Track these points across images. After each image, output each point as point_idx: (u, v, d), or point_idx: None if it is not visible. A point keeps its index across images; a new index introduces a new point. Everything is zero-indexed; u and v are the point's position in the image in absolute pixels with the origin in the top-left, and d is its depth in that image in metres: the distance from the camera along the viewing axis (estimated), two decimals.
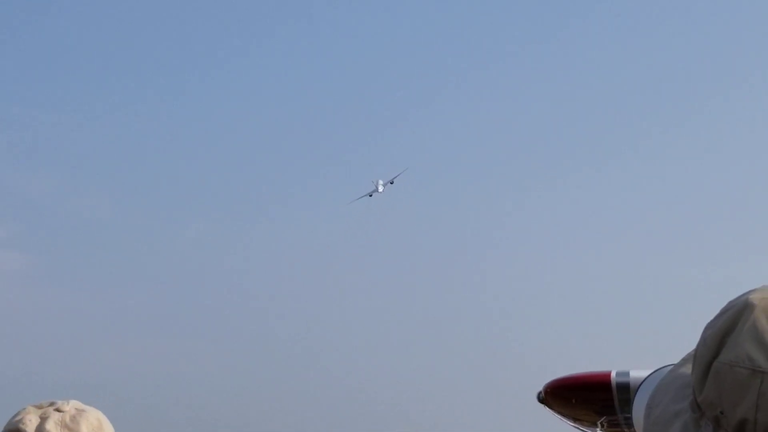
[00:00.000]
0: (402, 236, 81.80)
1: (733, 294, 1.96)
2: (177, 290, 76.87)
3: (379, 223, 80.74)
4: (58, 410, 2.66)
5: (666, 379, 2.02)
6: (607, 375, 13.83)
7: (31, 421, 2.64)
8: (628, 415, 13.87)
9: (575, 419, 14.53)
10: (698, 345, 1.89)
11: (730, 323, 1.85)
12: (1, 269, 78.48)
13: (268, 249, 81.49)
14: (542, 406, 14.48)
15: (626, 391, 13.65)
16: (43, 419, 2.64)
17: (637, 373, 13.78)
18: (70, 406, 2.70)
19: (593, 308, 70.40)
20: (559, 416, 14.48)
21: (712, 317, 1.91)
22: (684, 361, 2.00)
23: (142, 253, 79.70)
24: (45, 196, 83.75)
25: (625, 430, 14.15)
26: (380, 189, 69.17)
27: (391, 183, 69.44)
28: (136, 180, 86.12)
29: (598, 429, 14.33)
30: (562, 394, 14.20)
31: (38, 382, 61.79)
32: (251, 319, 74.20)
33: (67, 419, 2.63)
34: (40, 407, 2.68)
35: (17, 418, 2.66)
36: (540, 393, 14.36)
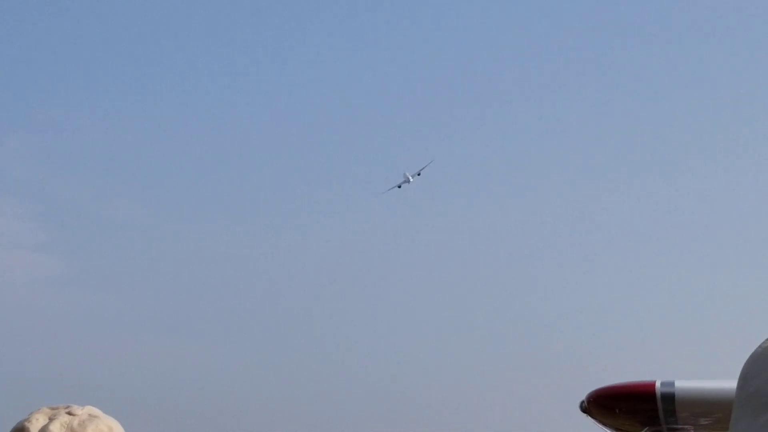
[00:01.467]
0: (439, 235, 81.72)
1: None
2: (212, 293, 77.44)
3: (415, 220, 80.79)
4: (70, 413, 2.61)
5: (764, 350, 1.80)
6: (652, 385, 13.66)
7: (38, 420, 2.61)
8: (673, 426, 13.68)
9: (618, 429, 14.38)
10: None
11: None
12: (37, 273, 79.48)
13: (299, 248, 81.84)
14: (585, 415, 14.33)
15: (671, 401, 13.48)
16: (51, 420, 2.61)
17: (682, 383, 13.61)
18: (84, 411, 2.65)
19: (638, 317, 69.95)
20: (602, 426, 14.32)
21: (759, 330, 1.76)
22: None
23: (176, 256, 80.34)
24: (80, 200, 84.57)
25: None
26: (411, 180, 69.65)
27: (419, 174, 70.11)
28: (171, 183, 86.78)
29: None
30: (606, 404, 14.05)
31: (73, 385, 62.42)
32: (287, 320, 74.53)
33: (75, 423, 2.59)
34: (53, 409, 2.65)
35: (27, 417, 2.65)
36: (583, 402, 14.20)
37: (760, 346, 1.76)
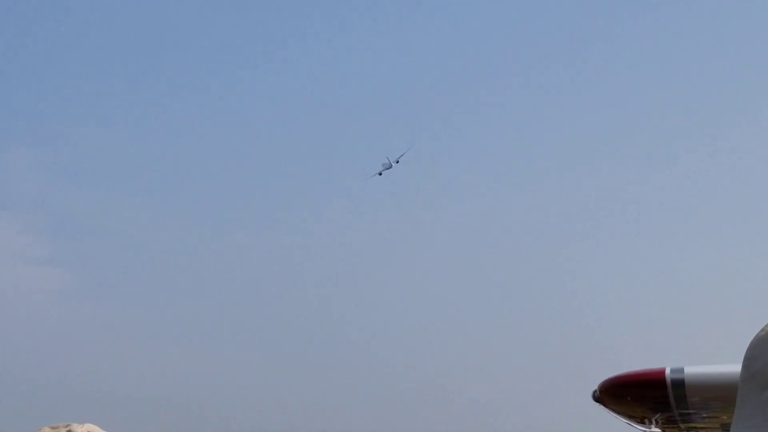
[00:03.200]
0: (447, 224, 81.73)
1: None
2: (221, 301, 77.45)
3: (421, 209, 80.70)
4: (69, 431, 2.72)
5: (765, 334, 1.94)
6: (662, 372, 13.93)
7: None
8: (684, 411, 13.99)
9: (631, 417, 14.67)
10: None
11: None
12: (43, 286, 79.57)
13: (307, 251, 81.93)
14: (598, 404, 14.62)
15: (681, 387, 13.76)
16: None
17: (692, 369, 13.90)
18: (84, 428, 2.75)
19: (647, 305, 70.03)
20: (615, 414, 14.63)
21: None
22: None
23: (184, 265, 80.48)
24: (85, 211, 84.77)
25: (681, 425, 14.29)
26: (392, 165, 69.96)
27: (397, 162, 70.48)
28: (175, 192, 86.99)
29: (653, 426, 14.48)
30: (617, 393, 14.33)
31: (80, 397, 62.47)
32: (299, 325, 74.59)
33: None
34: (55, 428, 2.76)
35: None
36: (595, 392, 14.50)
37: (761, 330, 1.96)
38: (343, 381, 70.64)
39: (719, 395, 13.85)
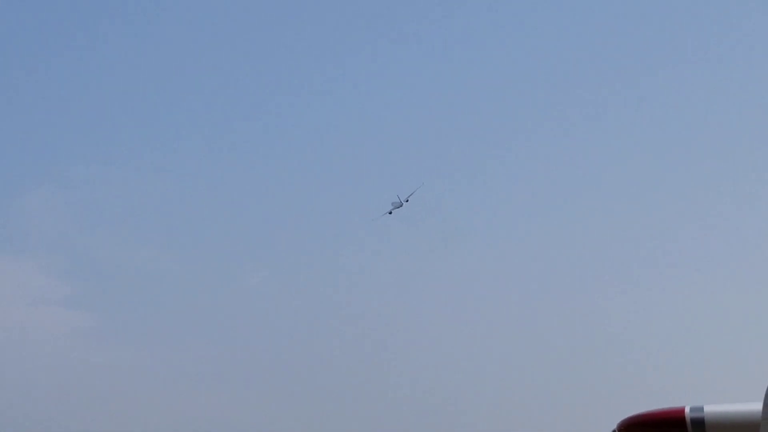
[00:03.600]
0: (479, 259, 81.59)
1: None
2: (241, 340, 77.36)
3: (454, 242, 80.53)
4: None
5: None
6: (681, 411, 13.88)
7: None
8: None
9: None
10: None
11: None
12: (62, 327, 79.69)
13: (333, 289, 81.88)
14: None
15: (701, 425, 13.69)
16: None
17: (711, 408, 13.83)
18: None
19: (667, 343, 69.63)
20: None
21: None
22: None
23: (202, 306, 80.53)
24: (104, 254, 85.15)
25: None
26: (403, 203, 71.03)
27: (407, 201, 71.56)
28: (194, 234, 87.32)
29: None
30: (637, 431, 14.27)
31: None
32: (321, 366, 74.39)
33: None
34: None
35: None
36: (615, 431, 14.45)
37: None
38: (362, 415, 70.50)
39: None
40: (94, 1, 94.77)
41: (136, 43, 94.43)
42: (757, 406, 13.32)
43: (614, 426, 14.55)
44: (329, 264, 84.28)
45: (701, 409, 13.90)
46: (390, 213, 72.24)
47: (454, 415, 67.29)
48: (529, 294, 79.99)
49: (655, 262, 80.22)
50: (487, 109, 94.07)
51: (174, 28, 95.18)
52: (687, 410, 13.92)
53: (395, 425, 68.44)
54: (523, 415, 66.79)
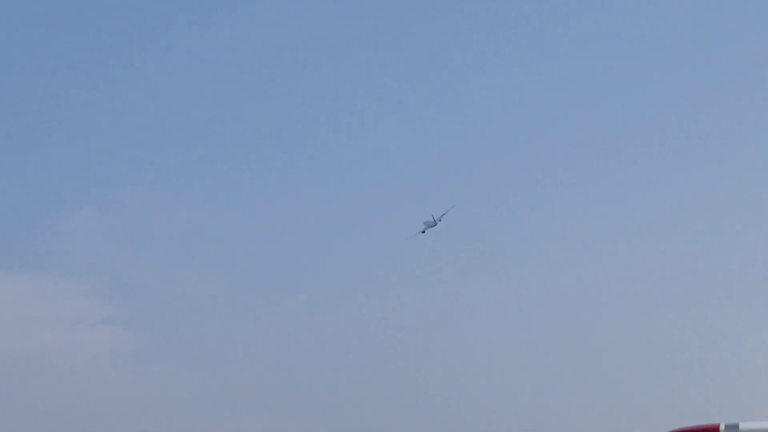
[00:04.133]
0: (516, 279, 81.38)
1: None
2: (282, 362, 77.46)
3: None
4: None
5: None
6: (716, 428, 14.01)
7: None
8: None
9: None
10: None
11: None
12: (106, 347, 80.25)
13: (370, 309, 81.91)
14: None
15: None
16: None
17: (747, 426, 13.95)
18: None
19: (702, 360, 69.12)
20: None
21: None
22: None
23: (247, 326, 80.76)
24: (148, 275, 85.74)
25: None
26: (437, 222, 71.56)
27: (439, 220, 71.97)
28: (237, 256, 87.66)
29: None
30: None
31: None
32: (366, 386, 74.41)
33: None
34: None
35: None
36: None
37: None
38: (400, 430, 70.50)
39: None
40: (143, 26, 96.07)
41: (182, 67, 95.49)
42: None
43: None
44: (367, 286, 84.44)
45: (736, 427, 14.03)
46: (423, 232, 72.59)
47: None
48: (564, 313, 79.80)
49: (689, 282, 79.75)
50: (529, 135, 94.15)
51: (223, 54, 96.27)
52: (722, 427, 14.05)
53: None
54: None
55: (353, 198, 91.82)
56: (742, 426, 13.99)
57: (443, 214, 72.44)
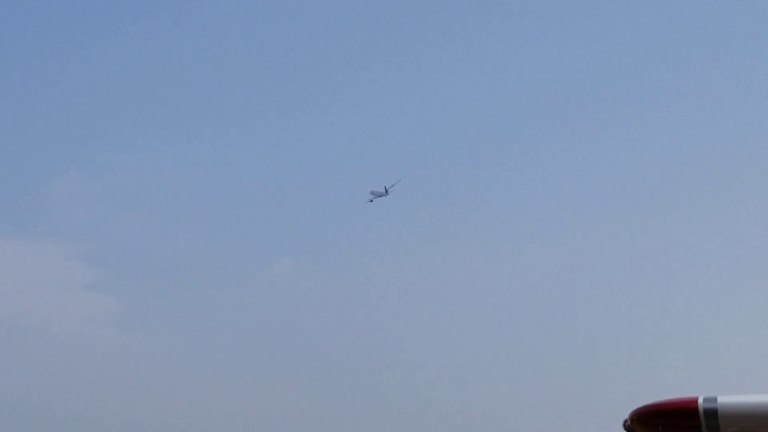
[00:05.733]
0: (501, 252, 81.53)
1: None
2: (267, 326, 77.67)
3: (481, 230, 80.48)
4: None
5: None
6: (694, 401, 13.78)
7: None
8: None
9: None
10: None
11: None
12: (90, 311, 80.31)
13: (360, 278, 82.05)
14: None
15: (714, 417, 13.58)
16: None
17: (725, 399, 13.70)
18: None
19: (678, 334, 69.43)
20: None
21: None
22: None
23: (230, 290, 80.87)
24: (132, 238, 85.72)
25: None
26: (387, 193, 72.15)
27: (390, 191, 72.76)
28: (221, 219, 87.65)
29: None
30: (649, 422, 14.18)
31: (128, 423, 62.72)
32: (345, 352, 74.62)
33: None
34: None
35: None
36: (626, 421, 14.36)
37: None
38: (378, 399, 70.73)
39: (754, 425, 13.64)
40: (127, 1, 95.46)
41: (169, 30, 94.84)
42: None
43: (626, 416, 14.46)
44: (345, 252, 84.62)
45: (714, 399, 13.82)
46: (371, 201, 73.56)
47: (462, 402, 67.44)
48: (541, 288, 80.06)
49: (668, 259, 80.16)
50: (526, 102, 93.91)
51: (206, 23, 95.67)
52: (700, 401, 13.84)
53: (408, 406, 68.76)
54: (536, 405, 66.81)
55: (333, 166, 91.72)
56: (720, 399, 13.77)
57: (393, 185, 73.29)
